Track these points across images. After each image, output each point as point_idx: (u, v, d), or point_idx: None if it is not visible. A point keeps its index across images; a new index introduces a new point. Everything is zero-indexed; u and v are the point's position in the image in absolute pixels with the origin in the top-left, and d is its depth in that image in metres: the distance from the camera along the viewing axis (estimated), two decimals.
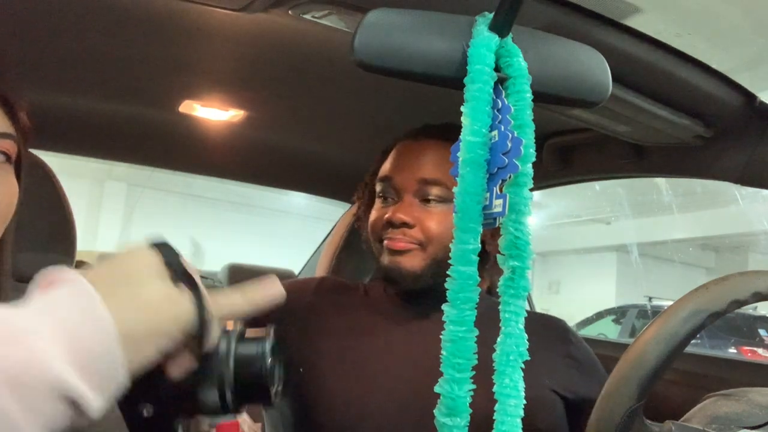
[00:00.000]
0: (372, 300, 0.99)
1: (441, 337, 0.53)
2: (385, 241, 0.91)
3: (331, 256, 1.20)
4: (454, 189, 0.53)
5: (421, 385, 0.78)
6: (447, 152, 0.90)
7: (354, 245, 1.17)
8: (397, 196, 0.92)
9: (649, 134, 1.06)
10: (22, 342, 0.30)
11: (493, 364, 0.56)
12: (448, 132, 0.92)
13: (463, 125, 0.53)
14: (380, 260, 0.93)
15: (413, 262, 0.89)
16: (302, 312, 0.97)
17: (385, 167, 0.96)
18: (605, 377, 0.61)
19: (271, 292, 0.45)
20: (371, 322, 0.95)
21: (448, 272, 0.53)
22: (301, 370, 0.92)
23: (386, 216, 0.91)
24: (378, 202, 0.95)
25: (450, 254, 0.53)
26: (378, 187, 0.95)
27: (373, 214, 0.96)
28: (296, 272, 2.33)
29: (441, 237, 0.88)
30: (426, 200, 0.90)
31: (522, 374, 0.55)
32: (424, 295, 0.91)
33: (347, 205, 2.17)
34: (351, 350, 0.92)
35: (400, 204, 0.91)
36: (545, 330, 0.96)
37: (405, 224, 0.89)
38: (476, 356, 0.52)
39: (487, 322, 0.58)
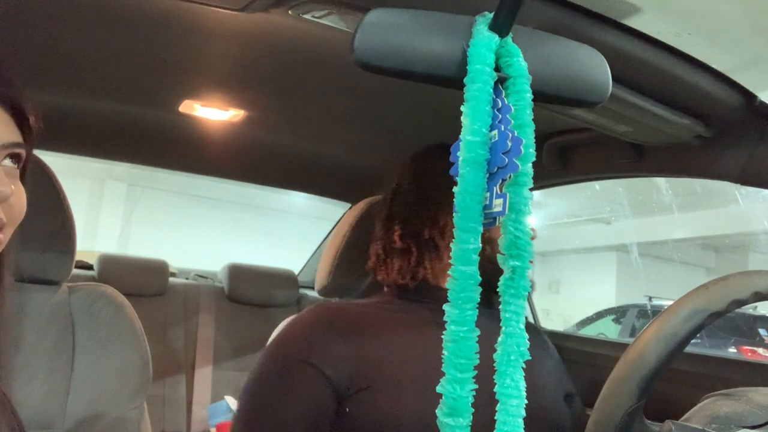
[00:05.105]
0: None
1: (443, 337, 0.53)
2: None
3: (334, 256, 1.20)
4: (455, 189, 0.53)
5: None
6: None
7: (358, 245, 1.16)
8: None
9: (649, 134, 1.06)
10: None
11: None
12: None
13: (463, 125, 0.53)
14: None
15: None
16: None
17: None
18: None
19: None
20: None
21: (449, 272, 0.53)
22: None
23: None
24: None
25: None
26: None
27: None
28: (296, 272, 2.33)
29: None
30: None
31: (523, 374, 0.55)
32: None
33: (347, 205, 2.17)
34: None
35: None
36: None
37: None
38: (478, 356, 0.52)
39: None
